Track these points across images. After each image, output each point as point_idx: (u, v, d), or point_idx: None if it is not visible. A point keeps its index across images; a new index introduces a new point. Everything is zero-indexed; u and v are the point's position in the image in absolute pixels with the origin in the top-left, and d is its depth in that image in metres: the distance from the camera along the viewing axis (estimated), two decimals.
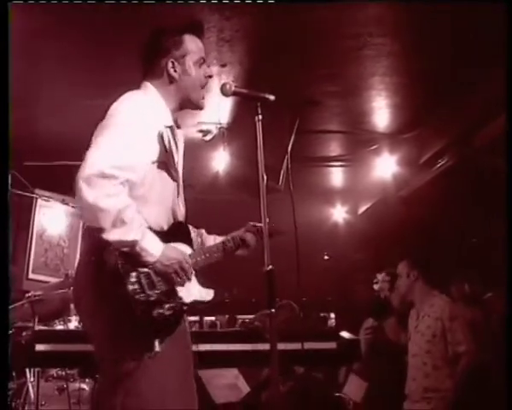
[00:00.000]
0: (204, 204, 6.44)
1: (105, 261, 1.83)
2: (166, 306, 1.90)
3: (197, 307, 2.01)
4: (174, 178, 2.08)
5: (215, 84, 4.33)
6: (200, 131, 5.40)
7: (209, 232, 2.34)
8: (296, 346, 2.63)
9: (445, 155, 5.52)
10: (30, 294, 3.84)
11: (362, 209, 7.40)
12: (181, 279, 1.93)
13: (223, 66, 4.24)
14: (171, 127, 2.08)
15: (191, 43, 2.16)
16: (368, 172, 6.31)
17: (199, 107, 2.19)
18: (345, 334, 3.40)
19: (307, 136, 5.34)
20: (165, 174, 2.04)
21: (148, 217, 1.96)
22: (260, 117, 2.02)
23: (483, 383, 3.47)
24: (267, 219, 1.94)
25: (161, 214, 2.04)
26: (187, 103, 2.18)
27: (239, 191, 5.81)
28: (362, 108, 5.14)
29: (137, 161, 1.92)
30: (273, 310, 1.84)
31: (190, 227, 2.23)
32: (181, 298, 1.98)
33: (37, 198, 5.48)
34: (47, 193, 5.42)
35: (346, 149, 6.07)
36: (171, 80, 2.13)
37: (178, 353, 1.98)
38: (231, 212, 6.41)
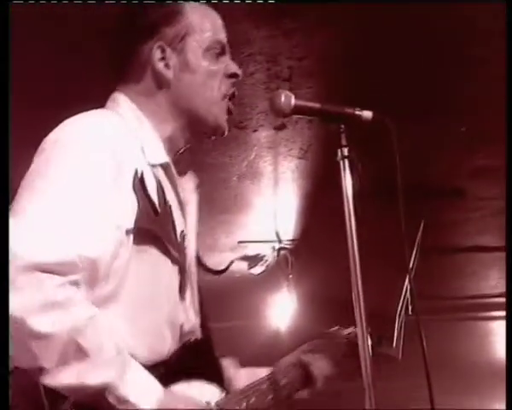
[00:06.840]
0: None
1: None
2: None
3: None
4: (175, 261, 1.48)
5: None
6: (244, 258, 4.28)
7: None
8: None
9: None
10: None
11: None
12: None
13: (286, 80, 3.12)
14: (164, 166, 1.51)
15: (197, 16, 1.54)
16: None
17: (217, 129, 1.54)
18: None
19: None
20: (154, 255, 1.46)
21: (127, 336, 1.47)
22: (346, 152, 1.36)
23: None
24: None
25: (152, 330, 1.52)
26: (192, 123, 1.54)
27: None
28: None
29: (100, 235, 1.40)
30: None
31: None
32: None
33: None
34: None
35: None
36: (161, 82, 1.52)
37: None
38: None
